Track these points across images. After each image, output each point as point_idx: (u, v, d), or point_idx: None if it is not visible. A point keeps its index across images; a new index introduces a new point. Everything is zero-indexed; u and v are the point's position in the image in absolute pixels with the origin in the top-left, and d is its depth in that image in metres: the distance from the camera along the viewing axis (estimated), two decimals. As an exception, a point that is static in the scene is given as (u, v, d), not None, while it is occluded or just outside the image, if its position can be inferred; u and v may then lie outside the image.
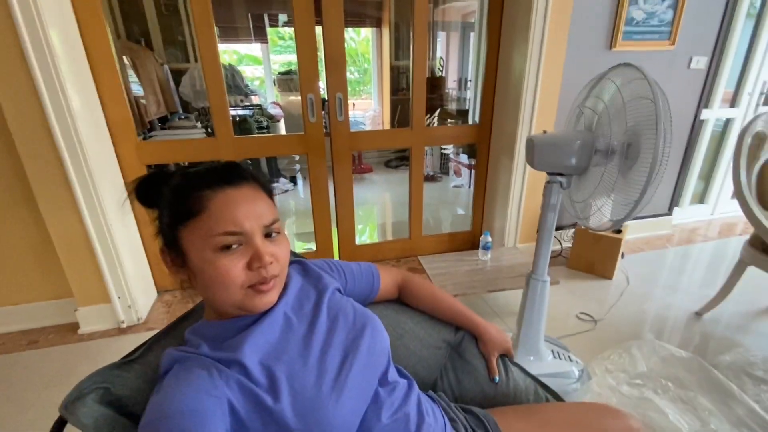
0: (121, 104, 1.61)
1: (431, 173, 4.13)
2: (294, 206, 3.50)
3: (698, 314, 1.70)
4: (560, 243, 2.25)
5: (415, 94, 1.95)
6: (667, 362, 1.25)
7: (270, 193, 0.54)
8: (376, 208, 3.54)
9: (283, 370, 0.47)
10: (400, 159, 4.71)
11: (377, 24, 4.78)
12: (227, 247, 0.46)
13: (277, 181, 3.88)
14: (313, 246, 2.11)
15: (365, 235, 2.83)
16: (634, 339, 1.38)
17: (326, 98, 1.86)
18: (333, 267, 0.69)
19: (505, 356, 0.81)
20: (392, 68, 4.75)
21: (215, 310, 0.52)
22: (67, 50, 1.37)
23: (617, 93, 1.00)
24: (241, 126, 3.87)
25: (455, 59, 4.75)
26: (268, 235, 0.50)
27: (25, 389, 1.36)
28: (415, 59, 1.88)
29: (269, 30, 4.58)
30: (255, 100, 4.26)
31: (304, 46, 1.71)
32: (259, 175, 0.53)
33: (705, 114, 2.37)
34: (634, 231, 2.46)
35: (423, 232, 2.25)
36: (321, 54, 1.77)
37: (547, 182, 1.14)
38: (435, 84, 4.81)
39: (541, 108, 1.88)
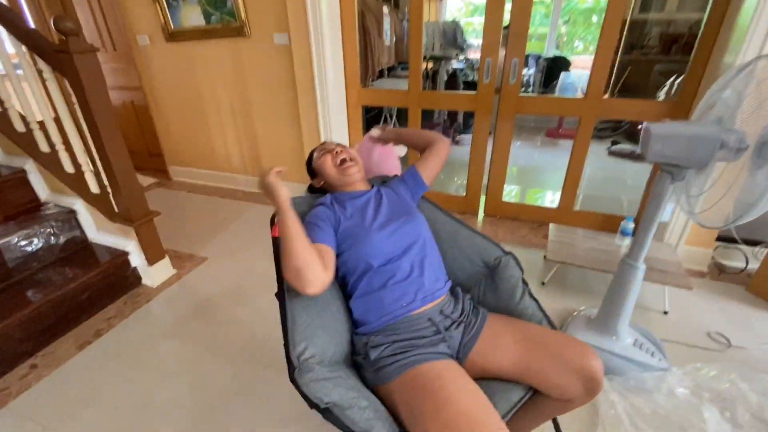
0: (355, 61, 2.30)
1: (638, 151, 3.58)
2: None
3: None
4: (746, 260, 1.83)
5: (598, 55, 1.87)
6: (763, 396, 1.11)
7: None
8: (547, 174, 3.47)
9: (358, 216, 1.01)
10: (612, 130, 4.20)
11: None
12: (324, 153, 1.11)
13: (468, 132, 4.24)
14: (463, 192, 2.47)
15: (524, 194, 2.94)
16: None
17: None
18: (408, 180, 1.17)
19: (526, 285, 1.05)
20: (634, 23, 4.06)
21: (331, 187, 1.13)
22: (329, 12, 2.09)
23: (763, 85, 0.91)
24: (450, 79, 4.31)
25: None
26: (339, 145, 1.13)
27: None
28: (609, 3, 1.76)
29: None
30: (470, 54, 4.56)
31: (492, 13, 1.94)
32: None
33: None
34: None
35: (576, 207, 2.25)
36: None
37: (660, 172, 1.14)
38: (689, 43, 3.86)
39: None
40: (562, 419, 1.07)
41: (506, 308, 1.04)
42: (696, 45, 1.73)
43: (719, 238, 1.86)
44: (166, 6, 2.45)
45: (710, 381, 1.19)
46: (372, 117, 4.06)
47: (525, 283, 1.10)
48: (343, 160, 1.08)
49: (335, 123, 2.35)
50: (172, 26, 2.51)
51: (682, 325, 1.58)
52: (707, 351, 1.46)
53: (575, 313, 1.59)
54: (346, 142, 2.54)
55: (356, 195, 1.07)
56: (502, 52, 2.03)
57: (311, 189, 1.22)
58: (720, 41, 1.65)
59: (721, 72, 1.61)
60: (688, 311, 1.65)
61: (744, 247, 1.84)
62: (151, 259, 1.86)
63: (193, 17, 2.42)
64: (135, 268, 1.85)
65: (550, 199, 2.99)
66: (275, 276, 0.94)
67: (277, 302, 0.90)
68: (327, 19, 2.07)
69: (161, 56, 2.68)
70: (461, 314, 0.97)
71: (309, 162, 1.18)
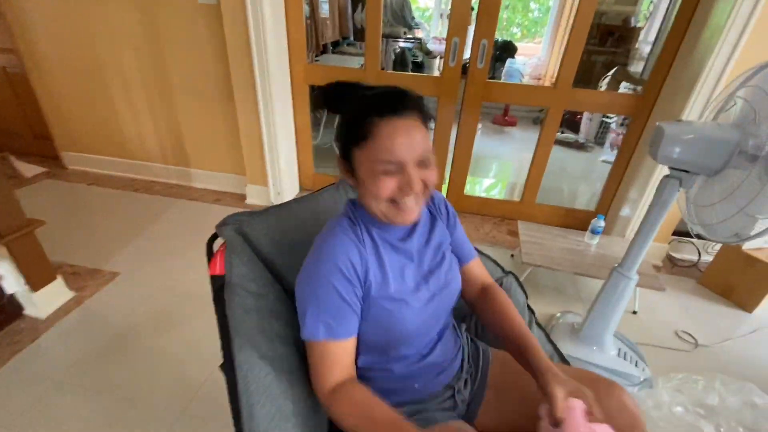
0: (300, 30, 1.94)
1: (582, 141, 3.70)
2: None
3: None
4: (699, 253, 1.90)
5: (570, 45, 1.77)
6: (754, 409, 1.09)
7: (428, 123, 0.60)
8: (501, 163, 3.44)
9: (397, 276, 0.65)
10: (552, 118, 4.30)
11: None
12: (386, 172, 0.56)
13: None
14: (425, 184, 2.28)
15: (480, 186, 2.85)
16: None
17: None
18: (451, 219, 0.77)
19: (533, 313, 0.88)
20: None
21: (367, 210, 0.63)
22: None
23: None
24: (398, 58, 4.06)
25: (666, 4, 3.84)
26: (421, 163, 0.58)
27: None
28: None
29: (450, -42, 4.41)
30: (418, 33, 4.33)
31: (461, -13, 1.72)
32: (422, 105, 0.60)
33: None
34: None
35: (537, 200, 2.18)
36: (477, -3, 1.74)
37: (666, 176, 1.03)
38: (623, 36, 4.03)
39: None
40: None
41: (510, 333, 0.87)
42: (667, 33, 1.68)
43: (674, 233, 1.90)
44: (41, -59, 1.85)
45: (700, 395, 1.14)
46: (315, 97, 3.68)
47: (531, 310, 0.94)
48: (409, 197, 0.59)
49: (278, 104, 1.98)
50: (54, -30, 1.92)
51: (651, 324, 1.57)
52: (678, 352, 1.46)
53: (555, 320, 1.50)
54: (290, 128, 2.19)
55: (403, 236, 0.68)
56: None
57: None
58: (689, 37, 1.61)
59: (691, 68, 1.57)
60: (654, 309, 1.65)
61: (696, 241, 1.90)
62: (36, 282, 1.40)
63: (83, -40, 1.86)
64: (11, 297, 1.38)
65: (503, 190, 2.93)
66: (215, 316, 0.65)
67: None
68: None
69: (44, 10, 2.06)
70: (463, 362, 0.77)
71: (332, 102, 0.66)
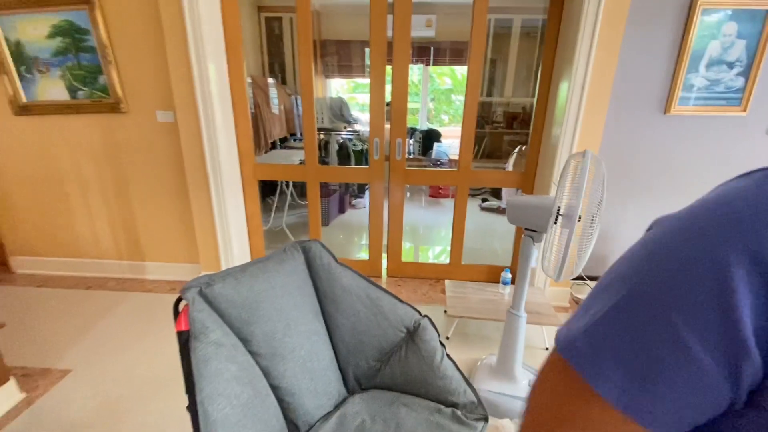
0: (248, 136, 2.32)
1: (504, 206, 4.28)
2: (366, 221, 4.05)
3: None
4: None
5: (464, 132, 2.27)
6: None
7: None
8: (437, 230, 3.87)
9: None
10: (477, 189, 4.95)
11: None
12: None
13: (362, 197, 4.50)
14: (366, 256, 2.58)
15: (420, 253, 3.20)
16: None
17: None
18: None
19: (443, 347, 1.14)
20: (482, 104, 5.02)
21: None
22: (218, 88, 2.11)
23: (576, 172, 1.24)
24: (341, 149, 4.61)
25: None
26: None
27: (164, 316, 2.11)
28: (467, 94, 2.19)
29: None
30: (357, 126, 5.00)
31: (376, 102, 2.22)
32: None
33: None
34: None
35: (463, 261, 2.54)
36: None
37: (524, 235, 1.40)
38: (524, 120, 4.94)
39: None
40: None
41: (429, 369, 1.11)
42: (532, 122, 2.24)
43: (574, 278, 2.29)
44: (17, 78, 2.16)
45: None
46: (266, 185, 4.03)
47: (443, 345, 1.20)
48: None
49: (230, 199, 2.28)
50: (24, 99, 2.21)
51: (559, 357, 1.86)
52: (581, 377, 1.74)
53: (478, 363, 1.75)
54: (242, 217, 2.46)
55: None
56: (387, 126, 2.30)
57: None
58: (548, 118, 2.17)
59: (554, 143, 2.11)
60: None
61: (590, 282, 2.31)
62: (-13, 385, 1.45)
63: (53, 92, 2.17)
64: (-41, 403, 1.41)
65: (440, 253, 3.30)
66: (182, 380, 0.84)
67: (181, 413, 0.80)
68: (217, 95, 2.08)
69: (4, 130, 2.29)
70: None
71: None
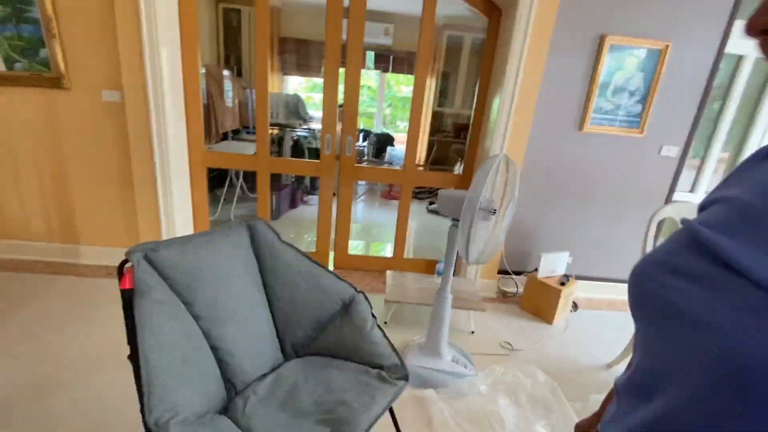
0: (198, 122, 2.34)
1: (449, 210, 4.55)
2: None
3: (608, 366, 1.96)
4: (516, 286, 2.57)
5: (410, 136, 2.46)
6: (536, 383, 1.59)
7: None
8: (385, 228, 4.05)
9: None
10: (429, 193, 5.21)
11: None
12: None
13: (315, 194, 4.57)
14: (314, 248, 2.68)
15: (368, 248, 3.35)
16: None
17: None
18: None
19: (374, 318, 1.28)
20: (435, 113, 5.31)
21: None
22: (170, 73, 2.12)
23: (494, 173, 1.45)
24: (296, 145, 4.66)
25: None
26: None
27: (101, 299, 2.06)
28: (413, 100, 2.37)
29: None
30: (312, 124, 5.07)
31: (329, 100, 2.34)
32: None
33: (678, 197, 2.59)
34: (600, 291, 2.69)
35: (406, 255, 2.72)
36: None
37: (450, 225, 1.59)
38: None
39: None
40: (402, 425, 1.29)
41: (359, 336, 1.25)
42: (470, 132, 2.48)
43: (500, 272, 2.56)
44: (-58, 43, 2.02)
45: (501, 377, 1.62)
46: (215, 177, 3.97)
47: (374, 316, 1.34)
48: None
49: (176, 185, 2.27)
50: (-50, 66, 2.06)
51: (483, 339, 2.08)
52: (500, 356, 1.97)
53: (412, 342, 1.91)
54: (188, 204, 2.46)
55: None
56: (339, 126, 2.43)
57: None
58: (483, 130, 2.42)
59: (486, 152, 2.35)
60: (486, 328, 2.19)
61: (515, 276, 2.58)
62: None
63: (-14, 61, 2.06)
64: None
65: (389, 250, 3.47)
66: (124, 338, 0.91)
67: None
68: (168, 79, 2.08)
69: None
70: None
71: None
